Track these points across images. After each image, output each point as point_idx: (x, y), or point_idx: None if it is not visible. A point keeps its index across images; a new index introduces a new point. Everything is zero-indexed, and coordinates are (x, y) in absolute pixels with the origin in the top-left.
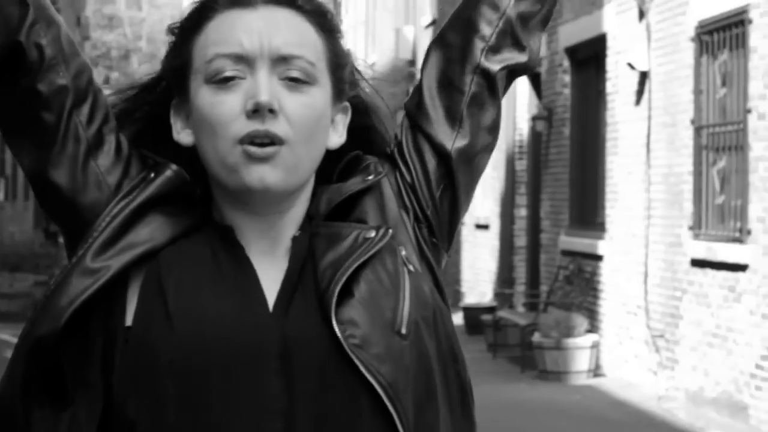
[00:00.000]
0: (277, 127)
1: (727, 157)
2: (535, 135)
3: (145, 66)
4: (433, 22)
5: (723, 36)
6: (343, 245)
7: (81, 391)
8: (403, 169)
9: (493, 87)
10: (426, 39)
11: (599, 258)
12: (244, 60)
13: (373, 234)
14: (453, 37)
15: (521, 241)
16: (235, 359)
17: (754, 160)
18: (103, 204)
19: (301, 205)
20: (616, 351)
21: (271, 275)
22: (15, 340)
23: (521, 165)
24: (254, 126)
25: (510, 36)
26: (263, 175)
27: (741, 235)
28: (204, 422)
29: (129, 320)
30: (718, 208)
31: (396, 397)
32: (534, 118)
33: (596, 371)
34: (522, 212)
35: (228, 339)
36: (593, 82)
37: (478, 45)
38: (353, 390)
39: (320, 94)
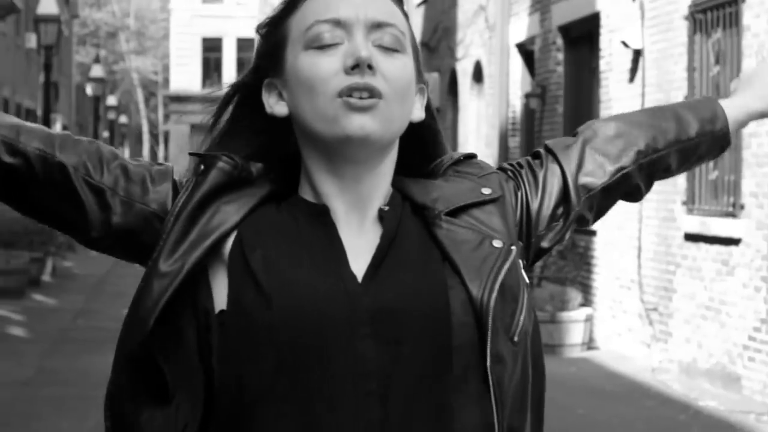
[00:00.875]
0: (376, 81)
1: None
2: (528, 112)
3: (132, 43)
4: (425, 1)
5: (716, 15)
6: (470, 247)
7: (183, 383)
8: (530, 195)
9: (622, 189)
10: (417, 17)
11: (593, 233)
12: (342, 25)
13: (500, 244)
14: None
15: None
16: (330, 328)
17: (747, 136)
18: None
19: (388, 171)
20: (609, 324)
21: (359, 247)
22: (12, 315)
23: (514, 142)
24: (354, 79)
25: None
26: (363, 123)
27: (734, 210)
28: (305, 386)
29: (220, 304)
30: (711, 183)
31: (500, 395)
32: (527, 96)
33: (590, 344)
34: None
35: (322, 310)
36: (587, 60)
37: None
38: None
39: (409, 62)
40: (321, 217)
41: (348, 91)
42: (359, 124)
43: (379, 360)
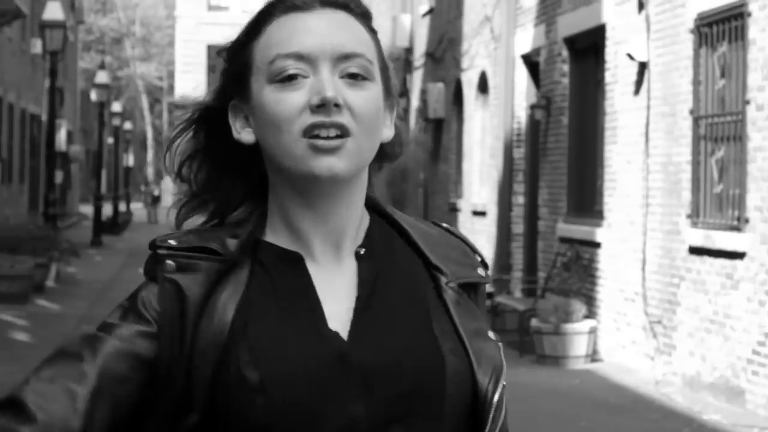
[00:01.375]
0: (343, 118)
1: (726, 147)
2: (533, 123)
3: (138, 50)
4: (431, 11)
5: (722, 28)
6: (471, 328)
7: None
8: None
9: None
10: (423, 27)
11: (597, 245)
12: (306, 59)
13: (494, 337)
14: None
15: (519, 228)
16: (319, 389)
17: (752, 150)
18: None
19: (360, 198)
20: (613, 336)
21: (338, 292)
22: (17, 321)
23: (519, 153)
24: (320, 118)
25: None
26: (331, 165)
27: (739, 224)
28: None
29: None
30: (716, 197)
31: None
32: (532, 107)
33: (594, 356)
34: (520, 199)
35: (311, 371)
36: (592, 72)
37: None
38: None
39: (377, 89)
40: (295, 265)
41: (313, 130)
42: (327, 165)
43: (371, 420)
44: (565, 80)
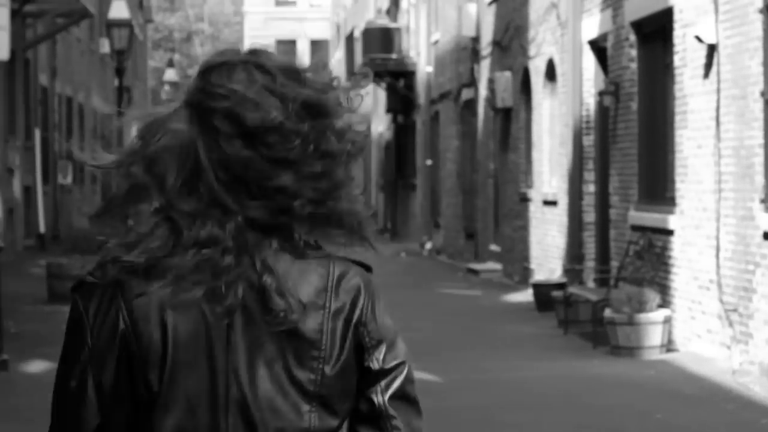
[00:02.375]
0: None
1: None
2: (602, 110)
3: (206, 47)
4: (496, 0)
5: None
6: None
7: None
8: None
9: None
10: (489, 15)
11: (670, 232)
12: None
13: None
14: None
15: (590, 216)
16: None
17: None
18: None
19: None
20: (688, 326)
21: None
22: None
23: (588, 140)
24: None
25: None
26: None
27: None
28: None
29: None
30: None
31: None
32: (601, 93)
33: (669, 346)
34: (590, 188)
35: None
36: (660, 56)
37: None
38: None
39: None
40: None
41: None
42: None
43: None
44: (634, 65)
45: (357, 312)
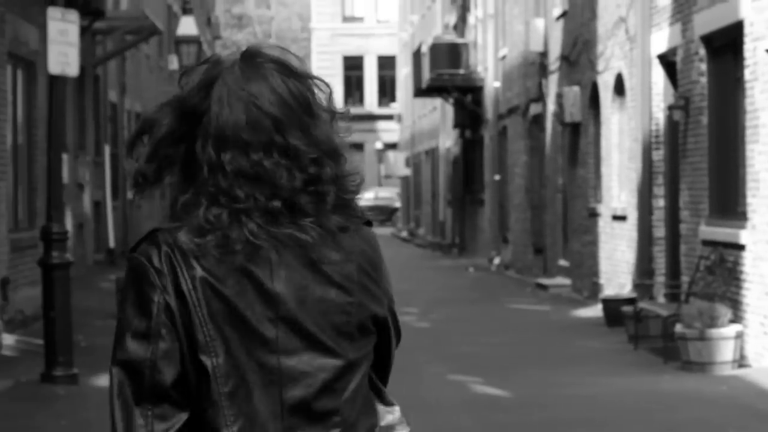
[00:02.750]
0: None
1: None
2: (671, 124)
3: None
4: (564, 14)
5: None
6: None
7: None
8: None
9: None
10: (557, 30)
11: (741, 247)
12: None
13: None
14: None
15: (660, 231)
16: None
17: None
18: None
19: None
20: (761, 341)
21: None
22: None
23: (658, 155)
24: None
25: None
26: None
27: None
28: None
29: None
30: None
31: None
32: (670, 108)
33: (741, 362)
34: (660, 203)
35: None
36: (731, 70)
37: None
38: None
39: None
40: None
41: None
42: None
43: None
44: (703, 79)
45: (366, 264)
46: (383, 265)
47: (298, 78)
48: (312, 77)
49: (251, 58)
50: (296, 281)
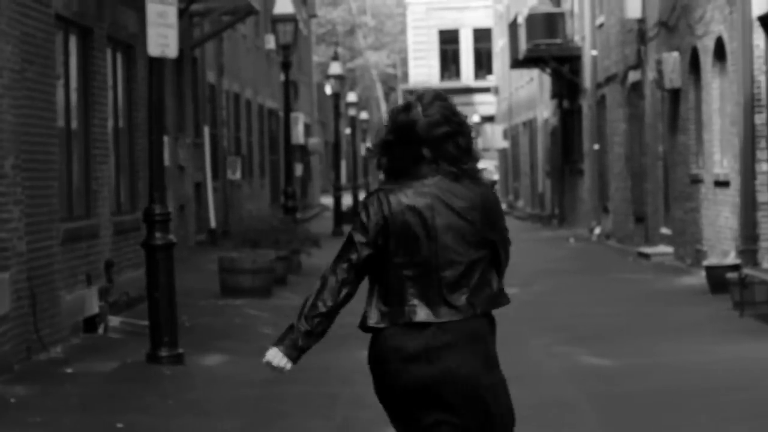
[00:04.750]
0: None
1: None
2: None
3: (370, 39)
4: None
5: None
6: None
7: None
8: None
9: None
10: None
11: None
12: None
13: None
14: None
15: (764, 196)
16: None
17: None
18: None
19: None
20: None
21: None
22: (261, 314)
23: (760, 119)
24: None
25: None
26: None
27: None
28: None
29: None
30: None
31: None
32: None
33: None
34: (763, 167)
35: None
36: None
37: None
38: None
39: None
40: None
41: None
42: None
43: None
44: None
45: (489, 209)
46: (498, 207)
47: (445, 101)
48: (451, 103)
49: (426, 96)
50: (444, 219)
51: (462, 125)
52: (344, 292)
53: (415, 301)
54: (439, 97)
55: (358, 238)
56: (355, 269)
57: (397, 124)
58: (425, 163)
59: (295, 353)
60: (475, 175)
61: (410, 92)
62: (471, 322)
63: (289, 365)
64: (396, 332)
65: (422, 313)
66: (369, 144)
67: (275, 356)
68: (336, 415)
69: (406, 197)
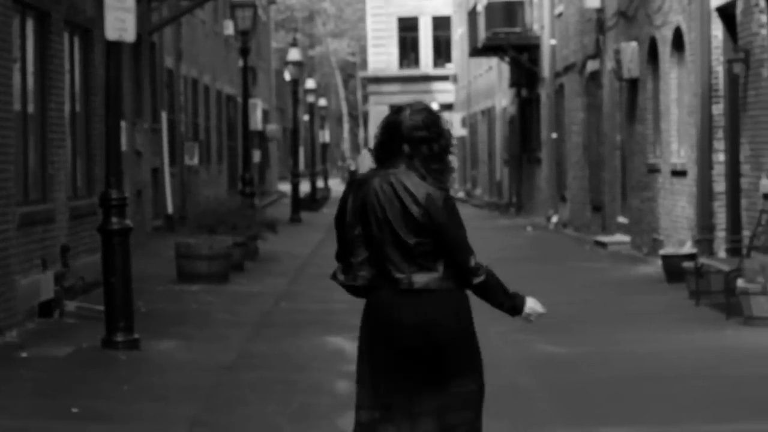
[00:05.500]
0: None
1: None
2: (731, 78)
3: (329, 26)
4: None
5: None
6: None
7: None
8: None
9: None
10: None
11: None
12: None
13: None
14: None
15: (720, 186)
16: None
17: None
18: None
19: None
20: None
21: None
22: (217, 300)
23: (718, 109)
24: None
25: None
26: None
27: None
28: None
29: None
30: None
31: None
32: (730, 61)
33: None
34: (720, 157)
35: None
36: None
37: None
38: None
39: None
40: None
41: None
42: None
43: None
44: (764, 31)
45: (435, 208)
46: (443, 210)
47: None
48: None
49: (412, 106)
50: (395, 205)
51: (440, 135)
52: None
53: (365, 270)
54: (427, 109)
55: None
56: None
57: (387, 123)
58: (403, 157)
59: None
60: (439, 178)
61: (369, 79)
62: (410, 295)
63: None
64: (349, 290)
65: (365, 280)
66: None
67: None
68: (293, 401)
69: (373, 182)
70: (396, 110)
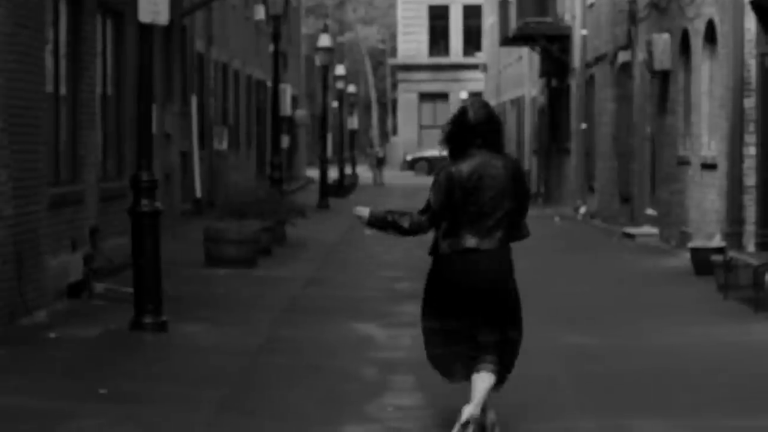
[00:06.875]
0: None
1: None
2: (763, 71)
3: (359, 13)
4: None
5: None
6: None
7: None
8: None
9: None
10: None
11: None
12: None
13: None
14: None
15: (750, 180)
16: None
17: None
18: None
19: None
20: None
21: None
22: (245, 285)
23: (749, 102)
24: None
25: None
26: None
27: None
28: None
29: None
30: None
31: None
32: (763, 54)
33: None
34: (751, 150)
35: None
36: None
37: None
38: None
39: None
40: None
41: None
42: None
43: None
44: None
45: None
46: (522, 173)
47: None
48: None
49: (473, 104)
50: (488, 182)
51: (499, 123)
52: (417, 224)
53: (469, 236)
54: (485, 105)
55: (433, 198)
56: (429, 218)
57: (457, 119)
58: (474, 147)
59: (372, 217)
60: (505, 154)
61: (398, 67)
62: (501, 251)
63: (366, 214)
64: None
65: (472, 242)
66: (440, 138)
67: (362, 210)
68: (320, 387)
69: (464, 167)
70: (462, 111)
